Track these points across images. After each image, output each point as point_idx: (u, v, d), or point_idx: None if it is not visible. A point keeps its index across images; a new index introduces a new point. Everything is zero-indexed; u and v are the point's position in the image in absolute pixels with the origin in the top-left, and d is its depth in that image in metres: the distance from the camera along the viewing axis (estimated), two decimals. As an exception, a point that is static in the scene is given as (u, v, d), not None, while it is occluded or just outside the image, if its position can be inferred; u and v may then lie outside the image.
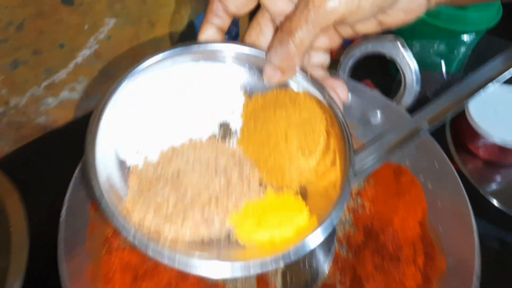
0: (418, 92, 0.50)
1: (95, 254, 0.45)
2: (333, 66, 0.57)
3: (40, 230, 0.44)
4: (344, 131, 0.34)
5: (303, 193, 0.35)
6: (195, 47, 0.37)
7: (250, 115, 0.39)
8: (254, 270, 0.28)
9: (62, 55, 0.69)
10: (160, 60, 0.36)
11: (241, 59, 0.37)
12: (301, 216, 0.33)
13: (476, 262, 0.40)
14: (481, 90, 0.47)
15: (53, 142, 0.73)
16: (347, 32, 0.37)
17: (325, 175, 0.35)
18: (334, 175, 0.34)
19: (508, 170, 0.62)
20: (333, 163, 0.35)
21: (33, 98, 0.70)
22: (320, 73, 0.38)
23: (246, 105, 0.40)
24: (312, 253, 0.44)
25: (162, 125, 0.38)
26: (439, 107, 0.49)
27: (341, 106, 0.36)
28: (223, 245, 0.33)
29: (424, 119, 0.48)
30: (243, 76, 0.39)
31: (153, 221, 0.33)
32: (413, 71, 0.49)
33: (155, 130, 0.38)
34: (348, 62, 0.53)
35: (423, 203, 0.49)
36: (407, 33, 0.61)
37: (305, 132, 0.36)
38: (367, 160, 0.49)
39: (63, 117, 0.77)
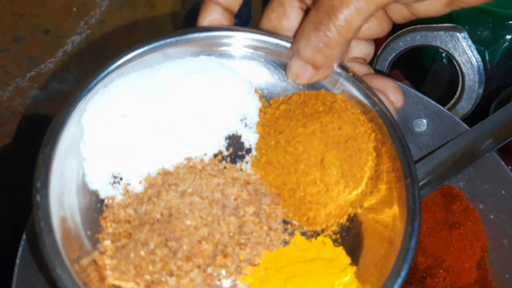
0: (481, 96, 0.40)
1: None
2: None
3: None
4: (403, 151, 0.26)
5: (346, 240, 0.27)
6: (193, 36, 0.28)
7: (269, 127, 0.30)
8: None
9: (47, 42, 0.63)
10: (146, 54, 0.28)
11: (256, 51, 0.30)
12: (343, 274, 0.25)
13: None
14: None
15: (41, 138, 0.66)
16: (401, 14, 0.29)
17: (377, 215, 0.27)
18: (390, 215, 0.26)
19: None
20: (389, 199, 0.26)
21: (18, 90, 0.64)
22: (362, 70, 0.30)
23: (263, 113, 0.30)
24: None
25: (150, 141, 0.28)
26: (507, 118, 0.38)
27: (395, 115, 0.28)
28: None
29: (489, 133, 0.38)
30: (259, 74, 0.31)
31: None
32: (476, 69, 0.39)
33: (139, 148, 0.28)
34: (388, 56, 0.43)
35: (482, 239, 0.40)
36: (445, 17, 0.53)
37: (348, 153, 0.27)
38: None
39: (54, 111, 0.70)
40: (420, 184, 0.39)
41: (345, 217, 0.27)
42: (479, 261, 0.39)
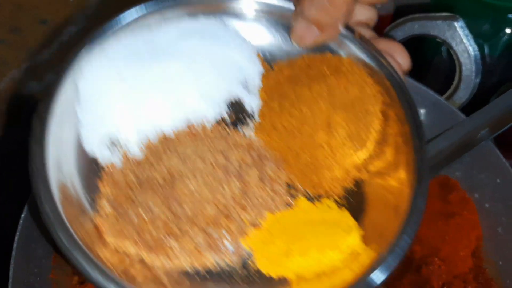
0: (478, 86, 0.40)
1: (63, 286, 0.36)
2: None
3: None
4: (411, 113, 0.26)
5: (351, 204, 0.26)
6: None
7: (272, 91, 0.29)
8: None
9: (44, 33, 0.62)
10: (144, 16, 0.28)
11: (257, 13, 0.29)
12: (348, 236, 0.24)
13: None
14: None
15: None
16: None
17: (383, 179, 0.26)
18: (397, 180, 0.25)
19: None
20: (396, 163, 0.26)
21: (14, 82, 0.63)
22: (367, 34, 0.29)
23: (266, 77, 0.29)
24: None
25: (149, 105, 0.28)
26: (503, 108, 0.38)
27: (402, 77, 0.27)
28: (238, 279, 0.24)
29: (485, 123, 0.38)
30: (261, 37, 0.30)
31: (133, 250, 0.24)
32: (473, 59, 0.39)
33: (138, 112, 0.28)
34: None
35: (478, 229, 0.40)
36: (445, 10, 0.52)
37: (355, 115, 0.26)
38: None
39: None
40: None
41: (351, 181, 0.26)
42: (474, 250, 0.39)
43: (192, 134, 0.28)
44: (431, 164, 0.38)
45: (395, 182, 0.25)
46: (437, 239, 0.40)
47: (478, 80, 0.40)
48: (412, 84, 0.44)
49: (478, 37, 0.63)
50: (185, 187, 0.25)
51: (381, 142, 0.26)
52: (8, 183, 0.53)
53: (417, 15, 0.40)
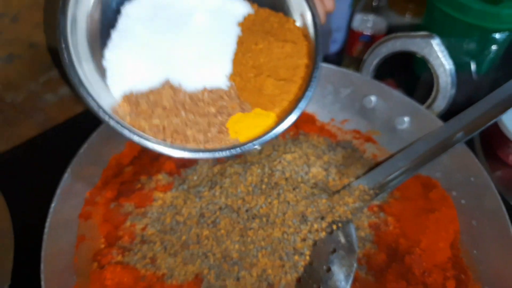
0: (453, 96, 0.45)
1: (83, 270, 0.40)
2: (356, 65, 0.52)
3: (28, 239, 0.40)
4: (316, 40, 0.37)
5: None
6: None
7: (241, 39, 0.38)
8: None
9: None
10: None
11: None
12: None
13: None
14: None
15: (50, 141, 0.69)
16: None
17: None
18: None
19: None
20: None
21: (31, 94, 0.66)
22: None
23: (242, 25, 0.38)
24: (328, 277, 0.39)
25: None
26: (475, 115, 0.43)
27: (323, 17, 0.36)
28: None
29: (459, 128, 0.43)
30: None
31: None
32: (448, 73, 0.44)
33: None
34: (373, 61, 0.48)
35: (455, 223, 0.44)
36: (434, 30, 0.57)
37: (287, 66, 0.37)
38: (393, 171, 0.44)
39: (63, 114, 0.74)
40: (399, 172, 0.43)
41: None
42: (452, 242, 0.43)
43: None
44: (412, 164, 0.43)
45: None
46: (419, 232, 0.44)
47: (453, 92, 0.45)
48: (398, 96, 0.49)
49: (465, 55, 0.67)
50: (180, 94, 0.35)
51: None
52: (36, 181, 0.56)
53: (399, 33, 0.45)
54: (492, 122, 0.41)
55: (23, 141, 0.68)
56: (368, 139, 0.52)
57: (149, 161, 0.49)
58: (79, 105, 0.73)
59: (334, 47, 0.77)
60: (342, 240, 0.40)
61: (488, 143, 0.58)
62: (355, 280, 0.43)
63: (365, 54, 0.48)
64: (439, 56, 0.43)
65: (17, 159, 0.65)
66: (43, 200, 0.40)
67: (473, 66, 0.67)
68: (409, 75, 0.72)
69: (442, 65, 0.44)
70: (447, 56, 0.43)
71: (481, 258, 0.41)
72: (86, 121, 0.45)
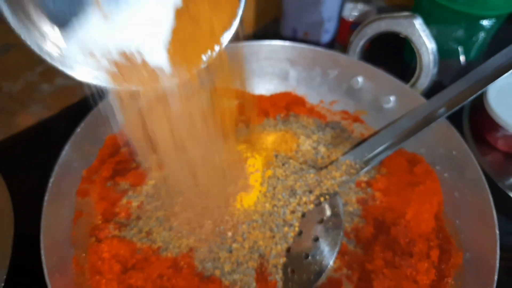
0: (435, 74, 0.47)
1: (82, 243, 0.42)
2: (344, 47, 0.54)
3: (27, 220, 0.41)
4: None
5: None
6: None
7: None
8: None
9: None
10: None
11: None
12: None
13: (497, 259, 0.36)
14: (503, 74, 0.44)
15: (45, 130, 0.70)
16: None
17: None
18: None
19: (527, 163, 0.58)
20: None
21: (27, 84, 0.67)
22: None
23: None
24: (316, 245, 0.41)
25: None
26: (457, 91, 0.45)
27: None
28: None
29: (442, 104, 0.45)
30: None
31: None
32: (430, 51, 0.45)
33: None
34: (359, 42, 0.50)
35: (439, 195, 0.45)
36: (423, 17, 0.58)
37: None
38: (378, 146, 0.46)
39: (59, 104, 0.75)
40: (384, 146, 0.45)
41: None
42: (436, 213, 0.45)
43: None
44: (396, 138, 0.45)
45: None
46: (404, 204, 0.46)
47: (435, 70, 0.47)
48: (384, 75, 0.50)
49: (453, 42, 0.69)
50: None
51: None
52: (34, 159, 0.58)
53: (383, 15, 0.47)
54: (472, 98, 0.43)
55: (20, 130, 0.69)
56: (356, 119, 0.54)
57: (144, 141, 0.51)
58: (75, 96, 0.75)
59: (326, 37, 0.78)
60: (329, 211, 0.42)
61: (476, 128, 0.59)
62: (344, 254, 0.45)
63: (352, 36, 0.50)
64: (421, 36, 0.45)
65: (15, 147, 0.67)
66: (41, 185, 0.41)
67: (461, 53, 0.69)
68: (400, 63, 0.73)
69: (424, 44, 0.45)
70: (429, 36, 0.45)
71: (463, 227, 0.42)
72: (83, 110, 0.47)
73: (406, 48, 0.73)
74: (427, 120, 0.44)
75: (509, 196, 0.51)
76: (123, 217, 0.45)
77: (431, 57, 0.46)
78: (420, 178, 0.47)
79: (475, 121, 0.59)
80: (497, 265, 0.36)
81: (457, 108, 0.43)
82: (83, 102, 0.46)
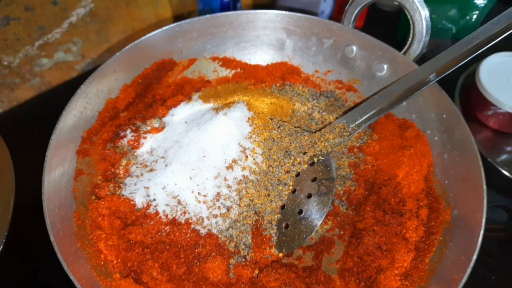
0: (428, 42, 0.48)
1: (83, 200, 0.43)
2: (338, 16, 0.54)
3: (29, 190, 0.42)
4: None
5: None
6: None
7: None
8: None
9: (55, 13, 0.66)
10: None
11: None
12: None
13: (484, 212, 0.38)
14: (493, 41, 0.45)
15: (46, 103, 0.71)
16: None
17: None
18: None
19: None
20: None
21: (27, 58, 0.68)
22: None
23: None
24: (309, 202, 0.42)
25: None
26: (448, 58, 0.46)
27: None
28: None
29: (433, 69, 0.46)
30: None
31: None
32: (423, 18, 0.46)
33: None
34: (354, 10, 0.51)
35: (429, 157, 0.47)
36: None
37: None
38: (370, 110, 0.47)
39: (58, 79, 0.75)
40: (376, 110, 0.46)
41: None
42: (426, 175, 0.46)
43: None
44: (389, 101, 0.46)
45: None
46: (395, 167, 0.47)
47: (427, 38, 0.48)
48: (377, 43, 0.51)
49: (447, 21, 0.70)
50: None
51: None
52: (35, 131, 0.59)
53: (377, -18, 0.48)
54: (463, 62, 0.44)
55: (20, 103, 0.70)
56: (350, 88, 0.55)
57: (144, 107, 0.52)
58: (74, 70, 0.75)
59: (322, 18, 0.79)
60: (322, 170, 0.43)
61: (468, 107, 0.60)
62: (336, 215, 0.47)
63: (346, 5, 0.51)
64: (415, 2, 0.46)
65: (15, 118, 0.68)
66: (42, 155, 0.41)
67: (454, 32, 0.69)
68: (394, 42, 0.74)
69: (417, 10, 0.46)
70: (422, 3, 0.46)
71: (452, 186, 0.44)
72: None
73: (400, 28, 0.74)
74: (419, 85, 0.45)
75: (500, 171, 0.53)
76: (123, 177, 0.46)
77: (424, 24, 0.47)
78: (411, 142, 0.48)
79: (467, 100, 0.60)
80: (484, 216, 0.37)
81: (448, 72, 0.44)
82: (82, 77, 0.47)
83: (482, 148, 0.55)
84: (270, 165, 0.45)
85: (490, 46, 0.43)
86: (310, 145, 0.45)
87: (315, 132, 0.47)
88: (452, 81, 0.61)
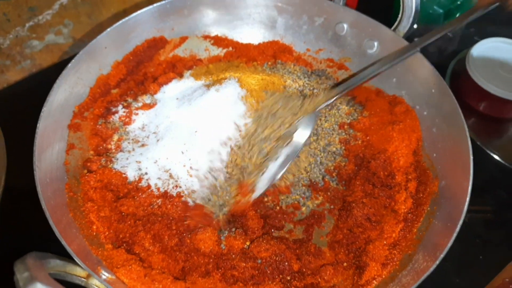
0: (417, 18, 0.48)
1: (74, 173, 0.43)
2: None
3: (19, 171, 0.41)
4: None
5: None
6: None
7: None
8: None
9: None
10: None
11: None
12: None
13: (470, 180, 0.38)
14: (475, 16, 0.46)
15: (37, 85, 0.70)
16: None
17: None
18: None
19: (508, 124, 0.60)
20: None
21: (17, 39, 0.67)
22: None
23: None
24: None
25: None
26: (436, 35, 0.47)
27: None
28: None
29: (420, 45, 0.47)
30: None
31: None
32: None
33: None
34: (344, -13, 0.51)
35: (418, 132, 0.47)
36: None
37: None
38: (358, 82, 0.47)
39: (49, 61, 0.75)
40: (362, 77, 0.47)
41: None
42: (415, 150, 0.47)
43: None
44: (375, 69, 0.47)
45: None
46: (384, 142, 0.48)
47: (418, 14, 0.48)
48: (368, 20, 0.52)
49: (438, 7, 0.70)
50: None
51: None
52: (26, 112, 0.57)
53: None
54: (451, 29, 0.45)
55: (10, 85, 0.70)
56: (341, 67, 0.56)
57: (135, 84, 0.52)
58: (65, 53, 0.75)
59: None
60: (301, 125, 0.45)
61: (459, 93, 0.60)
62: (326, 190, 0.47)
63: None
64: (405, -23, 0.47)
65: (7, 100, 0.67)
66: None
67: (443, 18, 0.70)
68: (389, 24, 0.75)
69: (407, -14, 0.47)
70: (412, -23, 0.47)
71: (440, 159, 0.44)
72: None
73: (394, 16, 0.74)
74: (404, 53, 0.46)
75: (490, 156, 0.54)
76: (115, 152, 0.46)
77: (414, 1, 0.47)
78: (400, 117, 0.49)
79: (457, 86, 0.60)
80: (470, 185, 0.38)
81: (434, 38, 0.45)
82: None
83: (473, 133, 0.56)
84: (258, 127, 0.46)
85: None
86: (299, 107, 0.46)
87: (304, 98, 0.48)
88: (442, 67, 0.62)
